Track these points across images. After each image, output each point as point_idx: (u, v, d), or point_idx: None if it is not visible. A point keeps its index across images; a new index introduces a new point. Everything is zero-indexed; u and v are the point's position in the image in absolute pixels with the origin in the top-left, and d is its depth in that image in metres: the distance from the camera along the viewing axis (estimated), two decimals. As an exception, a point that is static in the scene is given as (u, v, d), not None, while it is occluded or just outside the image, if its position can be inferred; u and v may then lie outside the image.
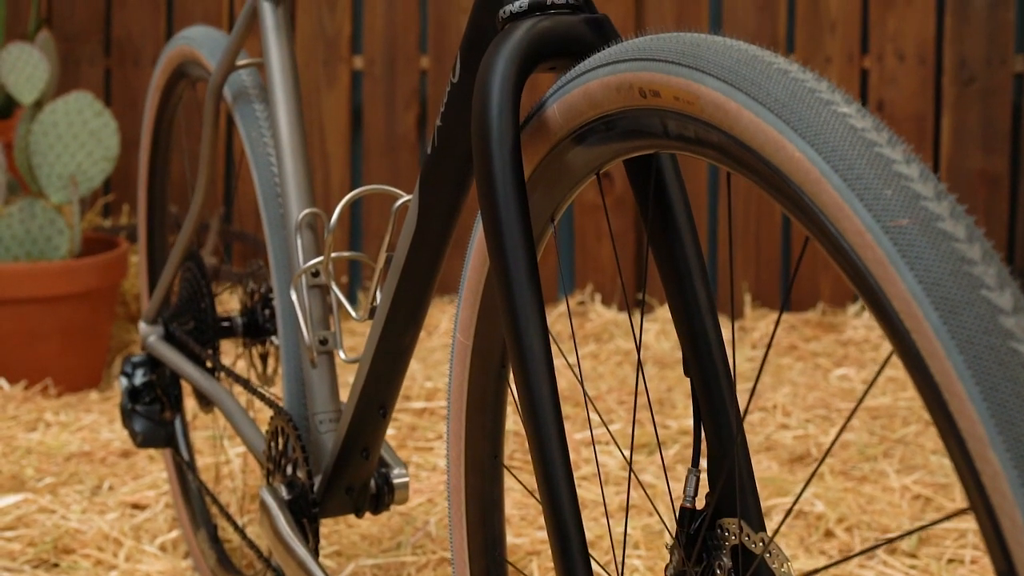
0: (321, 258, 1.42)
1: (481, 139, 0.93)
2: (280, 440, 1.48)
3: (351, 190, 3.59)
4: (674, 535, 0.94)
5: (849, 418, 0.74)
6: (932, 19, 3.29)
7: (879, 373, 0.64)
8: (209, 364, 1.75)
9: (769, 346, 0.75)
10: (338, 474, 1.41)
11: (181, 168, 3.34)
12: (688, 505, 0.94)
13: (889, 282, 0.63)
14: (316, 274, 1.46)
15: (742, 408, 2.60)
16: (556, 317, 3.38)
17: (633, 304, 3.46)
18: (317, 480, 1.43)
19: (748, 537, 0.89)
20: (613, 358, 3.12)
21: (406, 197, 1.27)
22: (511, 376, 1.09)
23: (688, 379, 0.95)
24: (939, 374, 0.60)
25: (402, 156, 3.54)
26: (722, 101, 0.75)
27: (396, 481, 1.46)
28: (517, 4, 0.97)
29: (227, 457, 2.40)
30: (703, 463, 0.95)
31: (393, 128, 3.54)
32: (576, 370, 3.05)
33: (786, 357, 3.11)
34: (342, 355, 1.42)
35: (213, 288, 1.84)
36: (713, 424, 0.93)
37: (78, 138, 2.86)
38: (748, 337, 3.26)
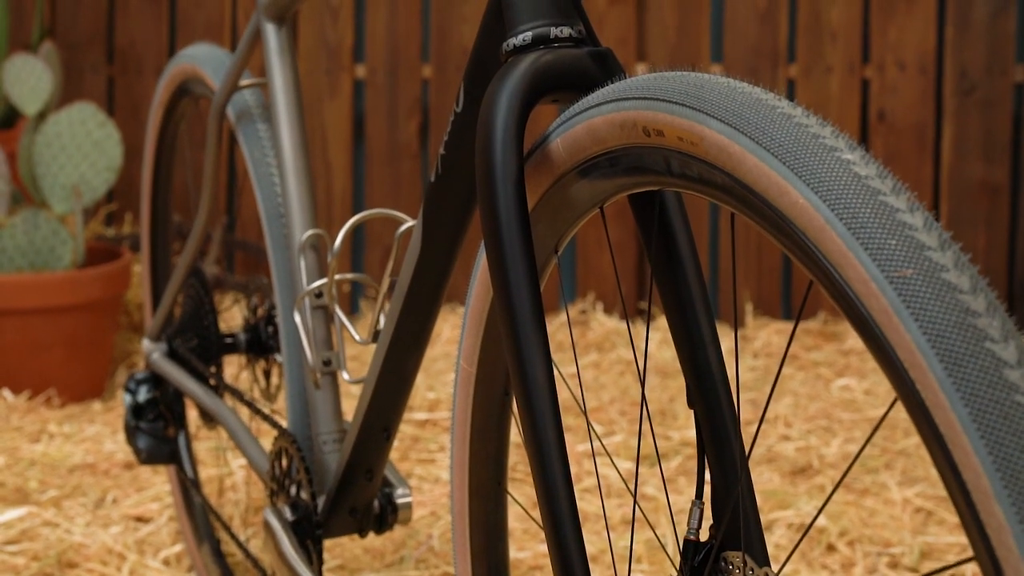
0: (325, 280, 1.43)
1: (485, 172, 0.93)
2: (284, 461, 1.48)
3: (353, 199, 3.60)
4: (678, 568, 0.94)
5: (861, 450, 0.74)
6: (933, 29, 3.29)
7: (885, 415, 0.65)
8: (212, 382, 1.75)
9: (782, 365, 0.75)
10: (342, 495, 1.41)
11: (183, 178, 3.35)
12: (692, 537, 0.94)
13: (894, 332, 0.63)
14: (319, 295, 1.46)
15: (750, 428, 2.60)
16: (558, 327, 3.38)
17: (633, 313, 3.47)
18: (321, 501, 1.44)
19: (752, 571, 0.90)
20: (615, 367, 3.13)
21: (410, 222, 1.27)
22: (514, 403, 1.09)
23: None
24: (944, 425, 0.61)
25: (404, 165, 3.55)
26: (726, 144, 0.75)
27: (399, 501, 1.47)
28: (520, 37, 0.97)
29: (230, 469, 2.41)
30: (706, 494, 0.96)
31: (395, 137, 3.54)
32: (570, 384, 3.05)
33: (787, 367, 3.11)
34: (345, 376, 1.43)
35: (216, 305, 1.84)
36: (717, 456, 0.94)
37: (81, 149, 2.87)
38: (750, 346, 3.27)
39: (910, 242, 0.65)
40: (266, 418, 1.56)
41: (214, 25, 3.62)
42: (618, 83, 0.88)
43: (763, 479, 2.43)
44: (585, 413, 0.97)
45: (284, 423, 1.59)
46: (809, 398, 2.87)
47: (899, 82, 3.31)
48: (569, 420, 2.71)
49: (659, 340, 3.27)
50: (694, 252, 0.92)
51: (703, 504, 0.95)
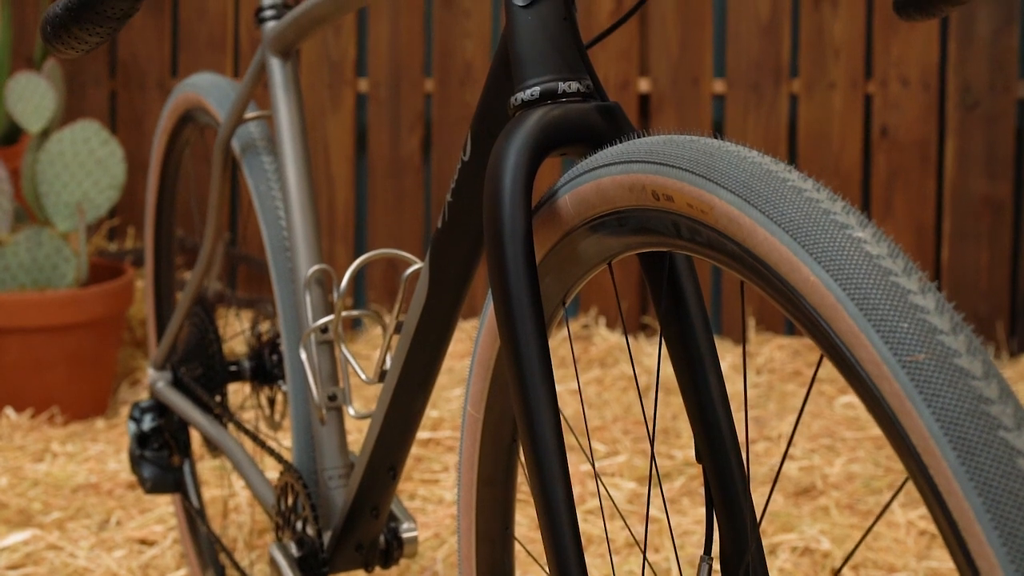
0: (331, 317, 1.43)
1: (493, 228, 0.93)
2: (289, 496, 1.48)
3: (356, 213, 3.60)
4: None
5: (888, 505, 0.74)
6: (936, 44, 3.29)
7: (897, 493, 0.65)
8: (217, 411, 1.75)
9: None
10: (348, 532, 1.41)
11: (186, 196, 3.34)
12: (701, 593, 0.94)
13: (907, 416, 0.63)
14: (325, 330, 1.46)
15: (754, 446, 2.60)
16: (560, 341, 3.38)
17: (635, 329, 3.46)
18: (327, 537, 1.44)
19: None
20: (618, 383, 3.12)
21: (417, 265, 1.27)
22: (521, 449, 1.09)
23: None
24: (957, 512, 0.61)
25: (407, 179, 3.55)
26: (736, 215, 0.75)
27: (405, 536, 1.47)
28: (528, 92, 0.97)
29: (233, 491, 2.40)
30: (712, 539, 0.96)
31: (398, 151, 3.54)
32: (573, 407, 3.04)
33: (790, 384, 3.11)
34: (351, 411, 1.43)
35: (220, 328, 1.84)
36: (726, 512, 0.94)
37: (84, 166, 2.87)
38: (752, 362, 3.26)
39: (922, 325, 0.64)
40: (271, 452, 1.56)
41: (216, 39, 3.62)
42: (628, 144, 0.88)
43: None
44: (592, 459, 0.97)
45: (287, 450, 1.59)
46: (812, 416, 2.87)
47: (902, 97, 3.31)
48: (571, 440, 2.71)
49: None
50: (703, 311, 0.92)
51: (711, 559, 0.95)
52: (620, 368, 3.22)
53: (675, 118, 3.40)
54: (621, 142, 0.93)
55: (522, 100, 0.97)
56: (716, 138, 0.84)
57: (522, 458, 1.10)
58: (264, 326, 1.84)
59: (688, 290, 0.92)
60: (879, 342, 0.65)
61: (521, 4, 0.98)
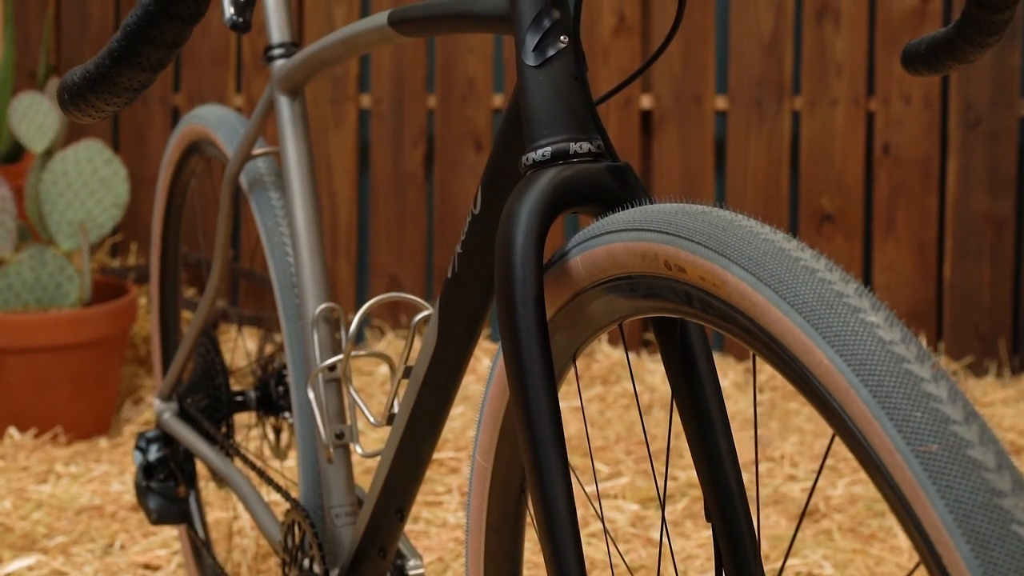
0: (340, 357, 1.43)
1: (505, 287, 0.94)
2: (296, 534, 1.49)
3: (359, 228, 3.60)
4: None
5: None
6: (938, 62, 3.29)
7: (914, 570, 0.65)
8: (223, 445, 1.76)
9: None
10: (354, 571, 1.42)
11: (191, 222, 3.35)
12: (710, 652, 0.95)
13: (920, 506, 0.64)
14: (333, 368, 1.46)
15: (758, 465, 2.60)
16: (563, 358, 3.38)
17: (637, 346, 3.47)
18: (333, 575, 1.44)
19: None
20: (620, 401, 3.13)
21: (427, 311, 1.28)
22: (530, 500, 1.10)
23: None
24: (971, 605, 0.61)
25: (409, 194, 3.55)
26: (749, 292, 0.76)
27: (411, 573, 1.47)
28: (540, 152, 0.97)
29: (237, 514, 2.41)
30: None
31: (400, 167, 3.55)
32: (576, 424, 3.05)
33: (793, 402, 3.11)
34: (358, 450, 1.43)
35: (225, 354, 1.85)
36: (735, 571, 0.94)
37: (88, 186, 2.87)
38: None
39: (935, 415, 0.65)
40: (278, 489, 1.57)
41: (219, 54, 3.63)
42: (641, 210, 0.89)
43: (770, 522, 2.44)
44: (597, 492, 0.97)
45: (293, 484, 1.59)
46: (815, 435, 2.88)
47: (904, 115, 3.31)
48: (576, 460, 2.71)
49: (662, 373, 3.27)
50: (714, 374, 0.93)
51: (721, 618, 0.95)
52: (622, 385, 3.22)
53: (677, 135, 3.41)
54: (632, 203, 0.94)
55: (534, 160, 0.98)
56: (724, 208, 0.85)
57: (530, 508, 1.11)
58: (269, 351, 1.84)
59: (699, 354, 0.92)
60: (893, 431, 0.65)
61: (532, 64, 0.99)
